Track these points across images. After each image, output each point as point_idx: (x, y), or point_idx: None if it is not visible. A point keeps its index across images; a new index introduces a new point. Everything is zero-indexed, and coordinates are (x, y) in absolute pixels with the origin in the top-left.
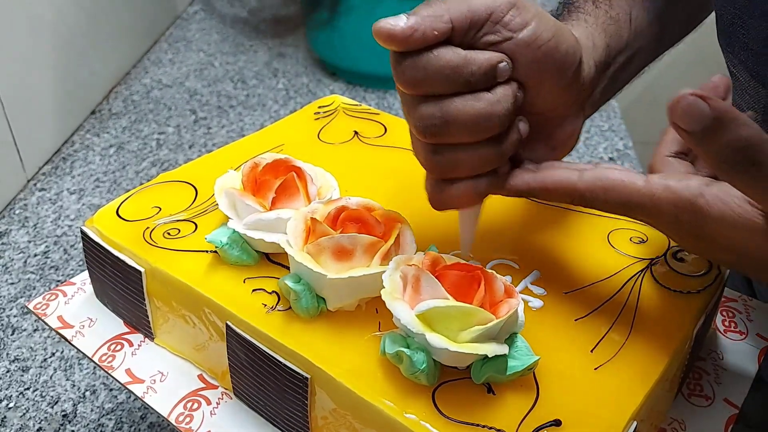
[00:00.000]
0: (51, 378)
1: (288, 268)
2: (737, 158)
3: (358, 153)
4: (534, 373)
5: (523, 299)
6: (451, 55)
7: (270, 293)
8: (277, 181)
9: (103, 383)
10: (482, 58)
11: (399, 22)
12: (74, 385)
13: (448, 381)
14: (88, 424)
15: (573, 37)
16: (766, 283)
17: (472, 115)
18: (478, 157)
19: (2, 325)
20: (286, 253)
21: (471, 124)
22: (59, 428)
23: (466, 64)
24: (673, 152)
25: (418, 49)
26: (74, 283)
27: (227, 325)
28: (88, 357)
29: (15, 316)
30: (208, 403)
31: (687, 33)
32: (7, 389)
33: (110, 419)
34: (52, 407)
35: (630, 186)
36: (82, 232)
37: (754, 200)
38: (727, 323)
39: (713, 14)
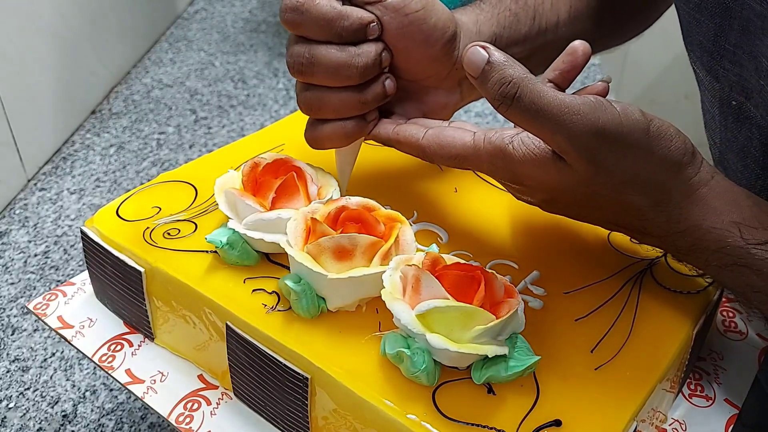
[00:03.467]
0: (51, 378)
1: (288, 268)
2: (503, 94)
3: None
4: (534, 373)
5: (523, 299)
6: (327, 8)
7: (270, 293)
8: (277, 181)
9: (103, 383)
10: (355, 15)
11: None
12: (74, 386)
13: (449, 381)
14: (88, 425)
15: (448, 15)
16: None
17: (333, 63)
18: (339, 100)
19: (2, 325)
20: (286, 253)
21: (332, 70)
22: (59, 428)
23: (338, 18)
24: None
25: None
26: (74, 283)
27: (227, 325)
28: (88, 357)
29: (15, 316)
30: (208, 403)
31: (623, 38)
32: (7, 389)
33: (110, 419)
34: (53, 407)
35: (459, 141)
36: (82, 232)
37: (533, 134)
38: (727, 323)
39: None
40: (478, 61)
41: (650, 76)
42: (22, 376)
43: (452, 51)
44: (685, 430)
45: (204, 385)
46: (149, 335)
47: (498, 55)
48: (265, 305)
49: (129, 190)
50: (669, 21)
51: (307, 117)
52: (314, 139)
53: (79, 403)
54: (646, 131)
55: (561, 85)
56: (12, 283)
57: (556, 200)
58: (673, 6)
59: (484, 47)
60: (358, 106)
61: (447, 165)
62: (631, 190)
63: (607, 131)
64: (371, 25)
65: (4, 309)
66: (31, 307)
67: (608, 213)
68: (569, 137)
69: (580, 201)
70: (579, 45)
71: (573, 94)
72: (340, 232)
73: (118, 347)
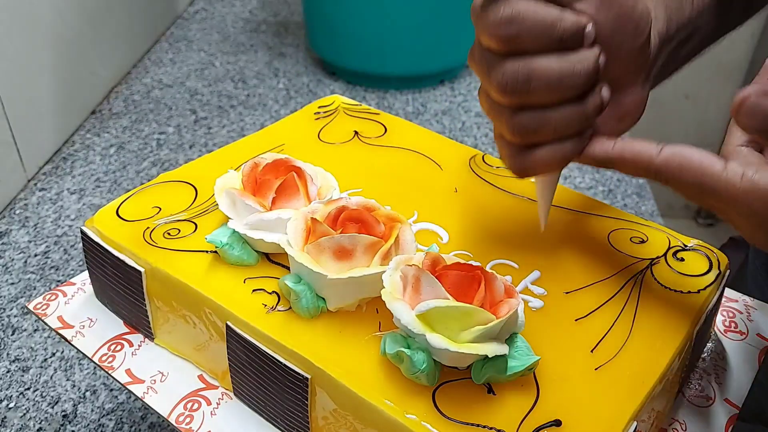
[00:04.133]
0: (51, 378)
1: (288, 268)
2: None
3: (358, 153)
4: (534, 373)
5: (523, 299)
6: (545, 12)
7: (270, 293)
8: (278, 181)
9: (104, 383)
10: (572, 18)
11: None
12: (74, 386)
13: (449, 381)
14: (88, 425)
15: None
16: None
17: (557, 73)
18: (561, 117)
19: (2, 325)
20: (287, 253)
21: (555, 82)
22: (59, 428)
23: (559, 22)
24: (744, 142)
25: None
26: (74, 283)
27: (227, 325)
28: (88, 357)
29: (15, 316)
30: (209, 403)
31: (746, 18)
32: (7, 389)
33: (110, 419)
34: (53, 407)
35: (708, 168)
36: (82, 232)
37: None
38: (727, 323)
39: None
40: (762, 114)
41: None
42: (22, 376)
43: (650, 40)
44: (685, 430)
45: (204, 385)
46: (149, 335)
47: None
48: (265, 305)
49: (129, 190)
50: None
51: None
52: (526, 167)
53: (79, 403)
54: None
55: None
56: (12, 283)
57: None
58: None
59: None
60: (580, 121)
61: (683, 192)
62: None
63: None
64: (588, 28)
65: (4, 309)
66: (31, 307)
67: None
68: None
69: None
70: None
71: None
72: (340, 232)
73: (118, 347)
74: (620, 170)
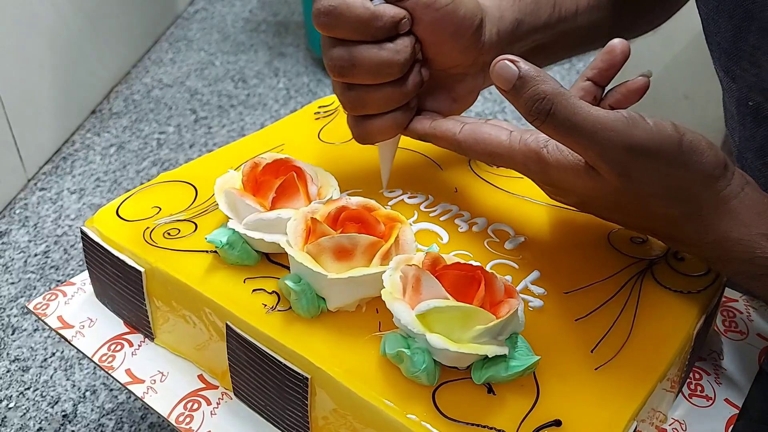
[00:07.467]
0: (51, 378)
1: (288, 268)
2: (538, 109)
3: (358, 153)
4: (534, 373)
5: (523, 299)
6: (361, 9)
7: (270, 293)
8: (277, 181)
9: (103, 383)
10: (388, 14)
11: None
12: (74, 385)
13: (449, 381)
14: (88, 424)
15: (474, 3)
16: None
17: (375, 62)
18: (383, 96)
19: (2, 325)
20: (286, 253)
21: (375, 69)
22: (59, 428)
23: (373, 19)
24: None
25: None
26: (74, 283)
27: (227, 325)
28: (88, 357)
29: (15, 316)
30: (209, 403)
31: (641, 30)
32: (7, 389)
33: (110, 419)
34: (53, 407)
35: (495, 140)
36: (82, 232)
37: (566, 147)
38: (727, 323)
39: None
40: (509, 75)
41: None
42: (22, 376)
43: (479, 38)
44: (685, 430)
45: (204, 385)
46: (149, 335)
47: (528, 69)
48: (265, 305)
49: (129, 190)
50: (669, 20)
51: (346, 114)
52: (364, 134)
53: (79, 403)
54: (679, 146)
55: (600, 83)
56: (12, 283)
57: (587, 204)
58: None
59: (512, 61)
60: (401, 97)
61: (481, 161)
62: (661, 202)
63: (639, 147)
64: (403, 21)
65: (4, 309)
66: (31, 307)
67: (639, 219)
68: (602, 153)
69: (611, 207)
70: (617, 44)
71: (611, 91)
72: (340, 232)
73: (118, 347)
74: (436, 144)
